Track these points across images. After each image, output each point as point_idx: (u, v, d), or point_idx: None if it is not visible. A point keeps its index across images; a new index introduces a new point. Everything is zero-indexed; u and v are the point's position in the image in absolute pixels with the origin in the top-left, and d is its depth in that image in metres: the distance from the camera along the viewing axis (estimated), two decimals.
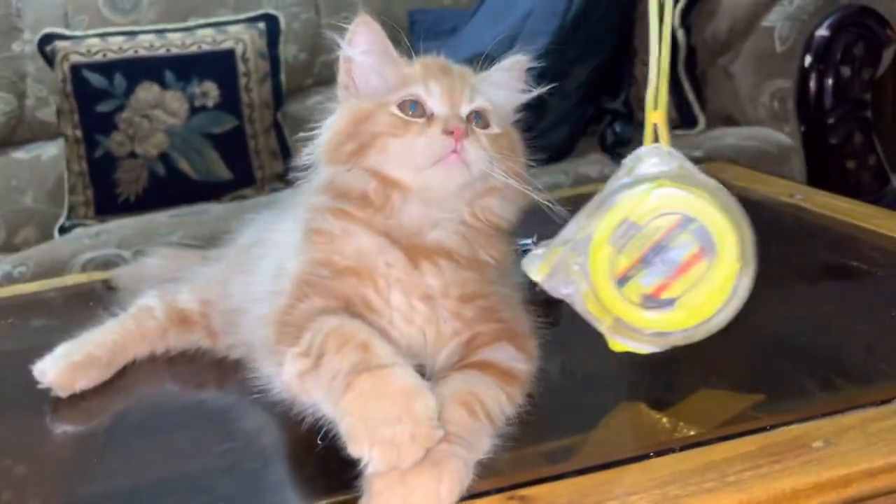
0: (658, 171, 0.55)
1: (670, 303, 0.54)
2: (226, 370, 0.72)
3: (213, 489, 0.56)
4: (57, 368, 0.68)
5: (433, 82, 0.61)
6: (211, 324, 0.74)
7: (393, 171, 0.60)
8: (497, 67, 0.66)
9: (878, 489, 0.47)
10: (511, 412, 0.55)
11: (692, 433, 0.55)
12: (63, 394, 0.69)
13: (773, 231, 0.93)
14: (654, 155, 0.56)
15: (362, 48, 0.63)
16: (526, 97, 0.66)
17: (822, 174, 1.64)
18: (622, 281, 0.54)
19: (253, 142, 1.96)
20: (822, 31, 1.61)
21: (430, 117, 0.60)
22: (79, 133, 1.91)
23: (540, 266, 0.57)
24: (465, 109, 0.61)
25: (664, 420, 0.63)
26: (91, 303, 0.97)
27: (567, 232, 0.57)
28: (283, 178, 1.98)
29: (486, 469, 0.50)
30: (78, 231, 1.80)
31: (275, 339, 0.58)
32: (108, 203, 1.91)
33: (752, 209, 0.97)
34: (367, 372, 0.50)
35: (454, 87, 0.62)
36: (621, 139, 1.61)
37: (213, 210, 1.68)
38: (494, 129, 0.62)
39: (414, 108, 0.60)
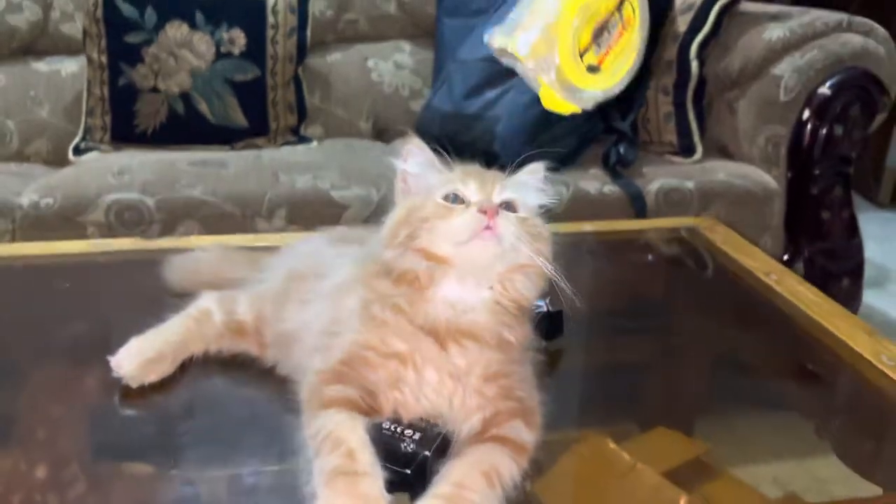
0: None
1: (598, 68, 0.68)
2: (271, 380, 0.84)
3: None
4: (132, 364, 0.80)
5: (470, 179, 0.75)
6: (263, 338, 0.85)
7: (438, 247, 0.72)
8: (521, 172, 0.78)
9: None
10: (518, 479, 0.68)
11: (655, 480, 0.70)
12: (134, 385, 0.80)
13: (742, 311, 1.06)
14: None
15: (415, 163, 0.77)
16: (545, 199, 0.79)
17: (797, 219, 1.78)
18: (582, 53, 0.67)
19: (272, 93, 2.03)
20: (825, 90, 1.72)
21: (468, 204, 0.73)
22: (104, 59, 1.96)
23: (513, 37, 0.66)
24: (496, 198, 0.74)
25: (626, 458, 0.77)
26: (140, 276, 1.08)
27: (532, 7, 0.66)
28: (296, 132, 2.06)
29: None
30: (98, 158, 1.87)
31: (305, 402, 0.71)
32: (124, 132, 1.97)
33: (730, 281, 1.11)
34: (344, 476, 0.62)
35: (486, 182, 0.75)
36: (623, 160, 1.72)
37: (229, 163, 1.75)
38: (521, 214, 0.75)
39: (455, 198, 0.73)
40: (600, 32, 0.67)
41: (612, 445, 0.80)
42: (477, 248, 0.71)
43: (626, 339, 1.01)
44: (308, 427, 0.68)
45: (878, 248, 2.61)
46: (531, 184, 0.78)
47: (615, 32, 0.68)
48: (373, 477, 0.62)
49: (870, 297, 2.19)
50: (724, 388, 0.92)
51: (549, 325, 0.89)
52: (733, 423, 0.85)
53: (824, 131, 1.73)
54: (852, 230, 1.82)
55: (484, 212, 0.70)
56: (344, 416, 0.67)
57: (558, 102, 0.70)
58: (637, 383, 0.96)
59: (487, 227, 0.70)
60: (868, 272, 1.92)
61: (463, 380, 0.71)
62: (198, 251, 1.00)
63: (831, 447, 0.84)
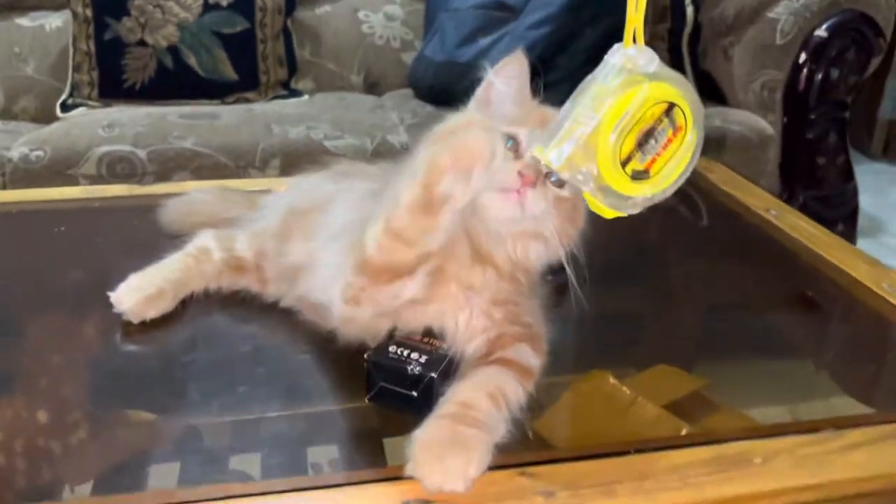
0: (653, 70, 0.66)
1: (647, 173, 0.66)
2: (270, 315, 0.83)
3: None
4: (132, 300, 0.79)
5: (536, 133, 0.70)
6: (264, 274, 0.84)
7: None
8: None
9: (799, 502, 0.62)
10: (524, 402, 0.67)
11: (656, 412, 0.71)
12: (135, 321, 0.80)
13: (742, 247, 1.06)
14: (643, 55, 0.67)
15: (506, 79, 0.73)
16: None
17: (793, 165, 1.78)
18: (625, 162, 0.66)
19: (262, 46, 2.00)
20: (821, 32, 1.71)
21: (518, 157, 0.70)
22: (89, 13, 1.93)
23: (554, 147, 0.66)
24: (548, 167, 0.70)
25: (627, 392, 0.78)
26: (136, 221, 1.07)
27: (573, 116, 0.66)
28: (286, 86, 2.04)
29: (503, 448, 0.63)
30: (86, 113, 1.84)
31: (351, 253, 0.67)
32: (112, 87, 1.95)
33: (730, 219, 1.11)
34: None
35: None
36: None
37: (221, 115, 1.73)
38: (564, 193, 0.71)
39: (511, 143, 0.70)
40: (646, 140, 0.64)
41: (612, 381, 0.80)
42: (497, 204, 0.69)
43: (628, 279, 1.01)
44: (363, 239, 0.65)
45: (870, 199, 2.61)
46: None
47: (663, 140, 0.65)
48: None
49: (862, 246, 2.19)
50: (727, 323, 0.92)
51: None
52: (737, 355, 0.85)
53: (820, 75, 1.72)
54: (847, 176, 1.82)
55: (522, 175, 0.68)
56: None
57: (604, 209, 0.67)
58: (640, 322, 0.96)
59: (517, 191, 0.68)
60: (860, 222, 1.93)
61: (474, 299, 0.70)
62: (193, 192, 0.98)
63: (835, 375, 0.84)
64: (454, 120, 0.74)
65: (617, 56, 0.66)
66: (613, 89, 0.64)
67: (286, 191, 0.92)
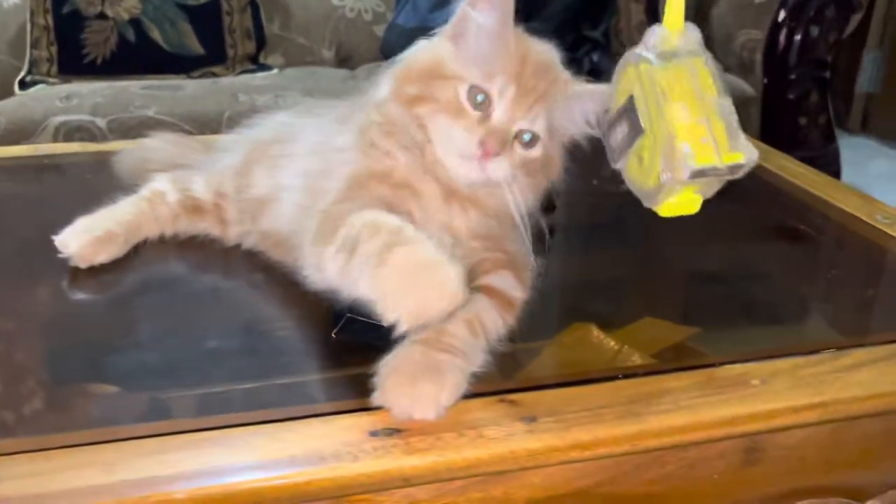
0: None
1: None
2: (231, 258, 0.78)
3: (212, 351, 0.65)
4: (79, 242, 0.73)
5: (511, 87, 0.64)
6: (223, 214, 0.79)
7: (432, 133, 0.65)
8: (585, 91, 0.67)
9: (800, 422, 0.58)
10: (503, 334, 0.62)
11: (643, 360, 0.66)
12: (83, 265, 0.73)
13: (729, 186, 1.01)
14: (694, 34, 0.61)
15: (485, 10, 0.65)
16: (585, 133, 0.68)
17: (774, 126, 1.75)
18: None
19: (228, 19, 1.94)
20: None
21: (486, 116, 0.64)
22: None
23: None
24: (520, 124, 0.65)
25: (612, 343, 0.73)
26: (88, 175, 1.01)
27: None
28: (255, 60, 1.98)
29: (480, 377, 0.58)
30: (45, 89, 1.77)
31: (315, 237, 0.61)
32: (72, 62, 1.87)
33: None
34: (399, 246, 0.55)
35: (526, 99, 0.64)
36: (597, 69, 1.67)
37: (186, 87, 1.67)
38: (534, 153, 0.66)
39: (481, 98, 0.64)
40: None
41: (596, 332, 0.76)
42: (458, 168, 0.65)
43: (610, 228, 0.96)
44: (323, 252, 0.59)
45: (849, 172, 2.59)
46: (588, 110, 0.66)
47: None
48: (428, 243, 0.56)
49: None
50: (718, 269, 0.86)
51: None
52: (729, 301, 0.80)
53: (800, 34, 1.69)
54: (829, 136, 1.79)
55: (483, 144, 0.63)
56: (372, 211, 0.60)
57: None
58: (626, 274, 0.90)
59: (478, 160, 0.63)
60: None
61: (455, 237, 0.65)
62: (148, 139, 0.93)
63: (837, 319, 0.79)
64: (422, 53, 0.68)
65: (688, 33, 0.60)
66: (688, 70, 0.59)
67: (246, 129, 0.86)
